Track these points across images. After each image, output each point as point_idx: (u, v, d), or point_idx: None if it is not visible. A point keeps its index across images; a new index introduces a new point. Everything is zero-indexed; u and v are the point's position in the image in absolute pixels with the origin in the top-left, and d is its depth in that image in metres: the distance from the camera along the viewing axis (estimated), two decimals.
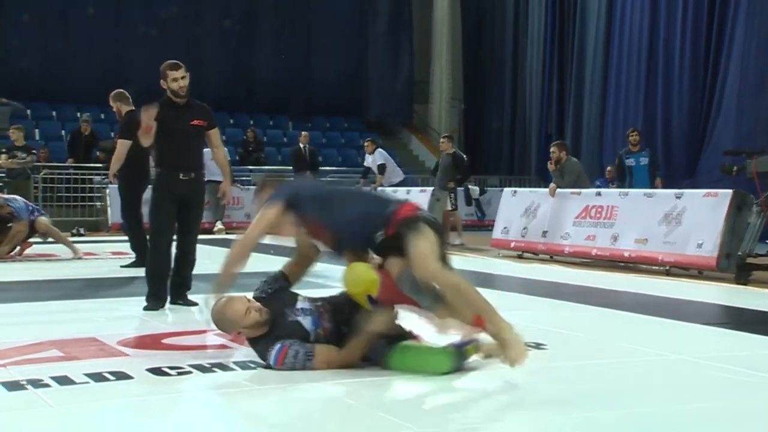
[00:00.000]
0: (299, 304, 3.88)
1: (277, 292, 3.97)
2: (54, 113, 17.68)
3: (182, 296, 5.73)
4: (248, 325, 3.82)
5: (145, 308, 5.62)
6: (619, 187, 11.72)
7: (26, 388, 3.48)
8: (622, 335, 4.96)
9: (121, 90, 8.36)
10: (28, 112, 17.27)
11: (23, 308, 5.92)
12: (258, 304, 3.86)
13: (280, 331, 3.81)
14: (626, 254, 8.98)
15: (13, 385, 3.52)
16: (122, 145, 7.70)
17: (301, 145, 15.13)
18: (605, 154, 16.95)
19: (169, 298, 5.72)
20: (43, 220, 9.64)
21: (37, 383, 3.54)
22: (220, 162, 6.03)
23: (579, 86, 17.95)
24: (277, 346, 3.73)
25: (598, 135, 17.39)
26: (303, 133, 15.55)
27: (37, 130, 16.12)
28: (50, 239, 9.77)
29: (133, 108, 8.01)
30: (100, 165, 15.54)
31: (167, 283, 5.71)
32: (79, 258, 9.36)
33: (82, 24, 17.97)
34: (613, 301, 6.49)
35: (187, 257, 5.76)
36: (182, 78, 5.63)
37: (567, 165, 10.50)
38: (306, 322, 3.83)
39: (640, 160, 11.73)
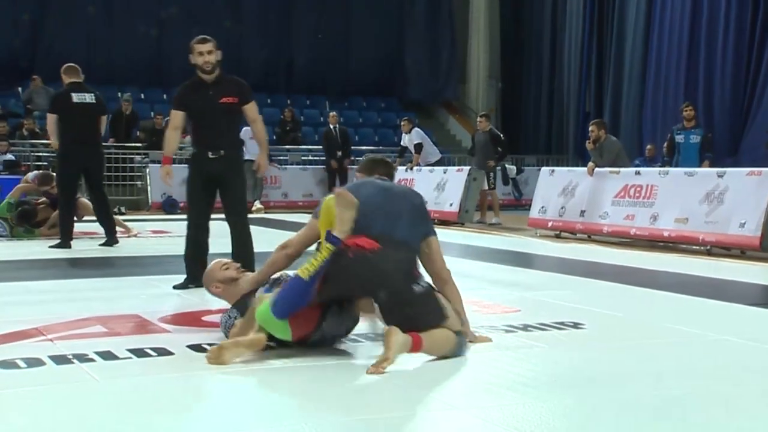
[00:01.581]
0: (271, 278, 3.88)
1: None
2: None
3: None
4: (222, 279, 3.97)
5: (174, 286, 5.65)
6: (668, 164, 11.45)
7: (72, 362, 3.56)
8: (662, 315, 4.91)
9: (69, 64, 8.43)
10: (72, 94, 17.48)
11: (69, 285, 6.04)
12: (238, 265, 4.03)
13: (245, 299, 3.86)
14: (666, 234, 8.87)
15: (61, 359, 3.60)
16: (49, 119, 8.18)
17: (331, 126, 15.15)
18: (645, 133, 16.72)
19: None
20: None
21: (82, 358, 3.62)
22: (258, 136, 5.91)
23: (618, 63, 17.68)
24: (227, 311, 3.88)
25: (638, 113, 17.14)
26: (331, 114, 15.60)
27: None
28: (85, 218, 9.94)
29: (76, 80, 8.18)
30: (140, 145, 15.75)
31: (197, 262, 5.64)
32: (134, 236, 9.53)
33: (123, 6, 18.12)
34: (653, 280, 6.42)
35: (238, 238, 5.64)
36: (208, 53, 5.55)
37: (606, 144, 10.38)
38: (260, 291, 3.82)
39: (690, 138, 11.12)
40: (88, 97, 8.13)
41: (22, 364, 3.53)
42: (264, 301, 3.64)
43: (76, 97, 8.03)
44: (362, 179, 4.08)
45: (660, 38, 16.59)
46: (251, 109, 5.77)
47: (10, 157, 13.65)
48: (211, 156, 5.61)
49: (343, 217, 3.59)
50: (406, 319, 3.52)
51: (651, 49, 16.81)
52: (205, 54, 5.55)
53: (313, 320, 3.64)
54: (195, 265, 5.67)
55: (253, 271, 5.17)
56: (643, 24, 16.98)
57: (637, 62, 17.15)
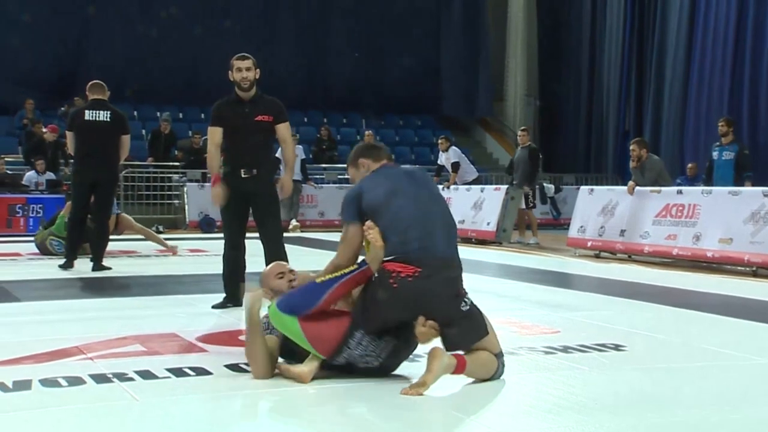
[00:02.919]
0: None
1: None
2: (135, 113, 18.22)
3: None
4: (272, 287, 3.91)
5: (213, 306, 5.70)
6: (704, 182, 11.27)
7: (112, 381, 3.61)
8: (706, 338, 4.84)
9: (94, 81, 8.31)
10: (86, 110, 17.78)
11: (108, 303, 6.14)
12: (296, 275, 3.95)
13: None
14: (709, 254, 8.74)
15: (101, 378, 3.65)
16: (68, 136, 8.13)
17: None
18: (686, 151, 16.53)
19: None
20: (126, 216, 10.01)
21: (122, 377, 3.67)
22: (286, 156, 5.88)
23: (659, 80, 17.53)
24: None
25: (679, 131, 16.96)
26: (367, 132, 15.63)
27: None
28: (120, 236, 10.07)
29: (97, 98, 8.08)
30: (178, 163, 15.96)
31: (235, 281, 5.69)
32: (175, 254, 9.63)
33: (163, 27, 18.44)
34: (696, 302, 6.33)
35: (272, 257, 5.48)
36: (247, 69, 5.60)
37: (647, 162, 10.27)
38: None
39: (723, 154, 10.92)
40: (102, 115, 7.99)
41: (63, 382, 3.59)
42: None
43: (87, 115, 7.99)
44: (379, 171, 3.81)
45: (702, 53, 16.42)
46: (284, 129, 5.78)
47: (52, 176, 13.91)
48: (244, 175, 5.63)
49: (375, 258, 3.56)
50: (451, 339, 3.50)
51: (693, 65, 16.65)
52: (244, 71, 5.61)
53: (334, 338, 3.57)
54: (233, 284, 5.72)
55: None
56: (684, 40, 16.84)
57: (678, 78, 16.99)
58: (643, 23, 18.24)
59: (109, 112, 8.03)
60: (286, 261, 5.67)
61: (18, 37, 17.09)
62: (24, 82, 16.45)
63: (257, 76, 5.66)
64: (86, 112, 8.02)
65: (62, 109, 15.86)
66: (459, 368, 3.44)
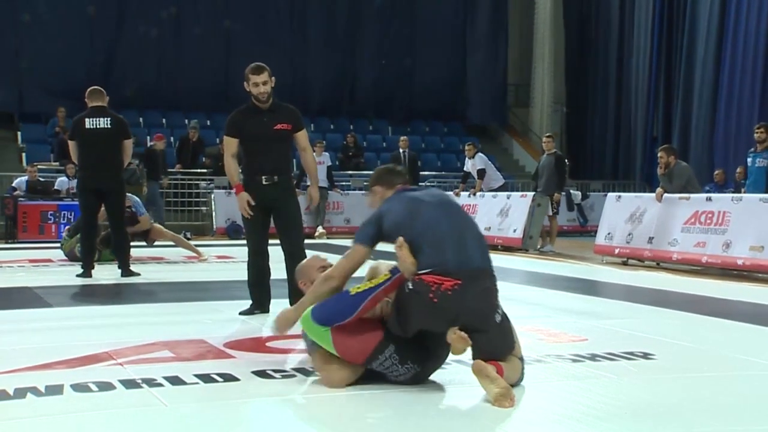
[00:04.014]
0: None
1: None
2: (164, 120, 18.40)
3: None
4: (312, 280, 3.96)
5: (240, 312, 5.71)
6: (740, 188, 11.10)
7: (141, 387, 3.64)
8: (736, 346, 4.78)
9: (93, 87, 8.21)
10: (140, 119, 18.03)
11: (137, 309, 6.19)
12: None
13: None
14: (740, 262, 8.64)
15: (130, 384, 3.69)
16: (70, 146, 8.07)
17: (401, 150, 15.17)
18: (716, 158, 16.35)
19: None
20: (158, 226, 10.15)
21: (151, 382, 3.70)
22: (308, 166, 5.91)
23: (688, 86, 17.37)
24: None
25: (708, 138, 16.79)
26: (402, 138, 15.60)
27: (148, 137, 16.78)
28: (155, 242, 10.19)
29: (97, 104, 7.96)
30: (205, 170, 16.09)
31: (261, 288, 5.71)
32: (205, 260, 9.71)
33: (191, 37, 18.59)
34: (726, 310, 6.26)
35: (293, 261, 5.41)
36: (263, 83, 5.56)
37: (676, 169, 10.18)
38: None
39: (757, 161, 10.61)
40: (103, 122, 7.88)
41: (94, 387, 3.63)
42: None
43: (88, 123, 7.88)
44: (394, 196, 3.83)
45: (732, 59, 16.25)
46: (302, 137, 5.79)
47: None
48: (264, 182, 5.64)
49: (406, 271, 3.57)
50: (484, 348, 3.50)
51: (723, 70, 16.47)
52: (260, 85, 5.56)
53: (363, 352, 3.57)
54: (259, 291, 5.75)
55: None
56: (714, 46, 16.67)
57: (708, 84, 16.82)
58: (671, 30, 18.10)
59: (109, 119, 7.91)
60: None
61: (50, 46, 17.34)
62: (56, 91, 16.67)
63: (273, 85, 5.64)
64: (86, 120, 7.89)
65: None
66: (499, 374, 3.44)
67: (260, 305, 5.71)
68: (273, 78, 5.65)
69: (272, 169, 5.64)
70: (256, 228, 5.73)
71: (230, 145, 5.73)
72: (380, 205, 3.84)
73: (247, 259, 5.86)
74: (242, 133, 5.67)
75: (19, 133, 17.16)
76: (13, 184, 13.92)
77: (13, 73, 17.01)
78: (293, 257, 5.50)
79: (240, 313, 5.70)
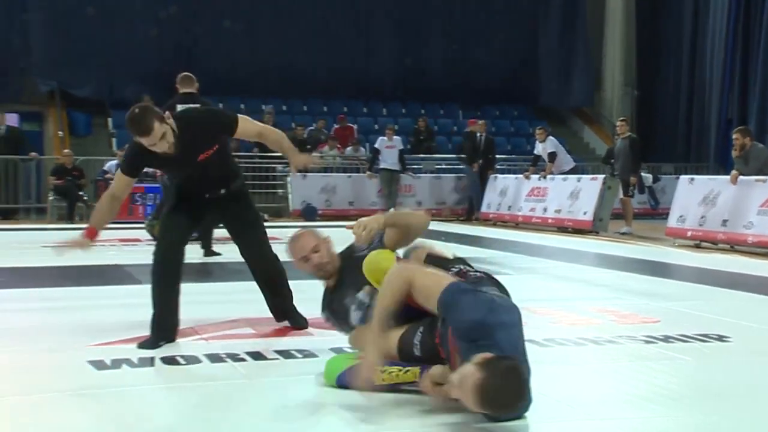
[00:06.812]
0: (361, 294, 3.44)
1: (358, 260, 3.43)
2: (242, 106, 18.71)
3: None
4: (314, 262, 3.60)
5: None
6: None
7: (225, 361, 3.75)
8: None
9: (184, 73, 8.05)
10: (220, 105, 18.35)
11: (219, 287, 6.35)
12: (331, 247, 3.65)
13: (335, 304, 3.61)
14: None
15: (215, 358, 3.80)
16: None
17: (477, 134, 15.01)
18: None
19: None
20: None
21: (234, 357, 3.81)
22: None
23: (766, 67, 16.71)
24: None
25: None
26: (480, 122, 15.46)
27: None
28: None
29: (187, 91, 7.76)
30: (281, 154, 16.29)
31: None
32: None
33: (264, 24, 18.83)
34: None
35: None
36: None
37: (752, 151, 9.84)
38: (354, 315, 3.47)
39: None
40: None
41: (181, 360, 3.76)
42: (333, 363, 3.39)
43: (179, 109, 7.61)
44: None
45: None
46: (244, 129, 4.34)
47: None
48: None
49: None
50: None
51: None
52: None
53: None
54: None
55: None
56: None
57: None
58: (749, 10, 17.41)
59: (198, 105, 7.69)
60: None
61: (136, 36, 17.82)
62: (144, 79, 17.10)
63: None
64: (177, 106, 7.80)
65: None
66: None
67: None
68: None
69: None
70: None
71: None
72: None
73: None
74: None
75: (109, 120, 17.67)
76: (105, 168, 14.39)
77: (104, 64, 17.51)
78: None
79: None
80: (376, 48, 19.47)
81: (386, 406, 3.04)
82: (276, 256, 4.57)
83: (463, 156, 15.12)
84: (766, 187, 9.21)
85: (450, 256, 3.47)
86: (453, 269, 3.23)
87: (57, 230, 10.74)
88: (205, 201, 4.34)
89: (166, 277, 4.16)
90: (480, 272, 3.27)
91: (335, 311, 3.66)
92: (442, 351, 3.04)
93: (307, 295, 5.33)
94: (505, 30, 20.26)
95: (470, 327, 2.79)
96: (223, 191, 4.35)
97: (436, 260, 3.35)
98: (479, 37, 20.27)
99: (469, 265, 3.34)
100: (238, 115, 4.29)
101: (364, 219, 3.44)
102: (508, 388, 2.63)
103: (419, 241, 3.61)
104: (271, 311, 4.62)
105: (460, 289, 2.90)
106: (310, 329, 4.51)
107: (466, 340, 2.80)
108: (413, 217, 3.64)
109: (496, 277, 3.27)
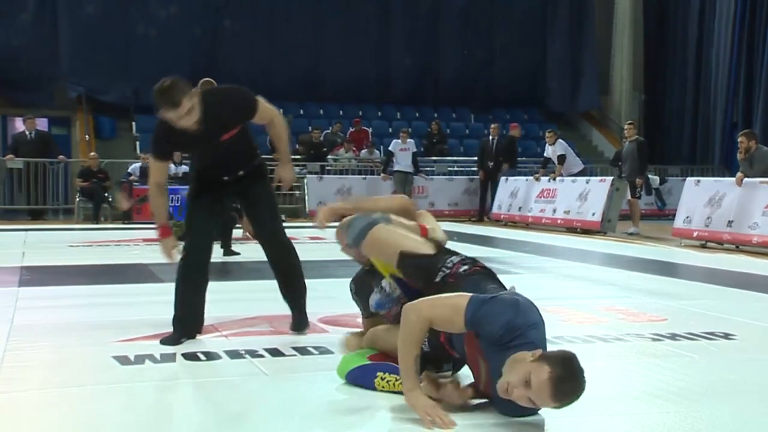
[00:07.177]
0: (384, 282, 3.40)
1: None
2: None
3: None
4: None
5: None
6: None
7: (244, 357, 3.75)
8: None
9: (205, 78, 7.58)
10: None
11: (238, 286, 6.38)
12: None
13: (364, 280, 3.56)
14: None
15: (234, 354, 3.80)
16: None
17: (490, 137, 15.06)
18: None
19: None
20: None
21: (253, 353, 3.80)
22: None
23: None
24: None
25: None
26: (493, 125, 15.48)
27: None
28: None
29: None
30: (299, 156, 16.32)
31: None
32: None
33: (282, 29, 18.85)
34: None
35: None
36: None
37: (757, 154, 9.77)
38: (373, 297, 3.45)
39: None
40: None
41: (202, 356, 3.76)
42: (346, 360, 3.40)
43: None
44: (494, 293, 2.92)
45: None
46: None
47: (184, 168, 14.50)
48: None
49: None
50: None
51: None
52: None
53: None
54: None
55: None
56: None
57: None
58: (754, 16, 17.27)
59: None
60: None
61: (159, 43, 17.90)
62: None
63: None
64: None
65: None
66: None
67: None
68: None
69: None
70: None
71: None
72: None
73: None
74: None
75: (133, 124, 17.77)
76: (129, 170, 14.46)
77: (128, 70, 17.61)
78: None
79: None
80: (391, 54, 19.48)
81: (401, 400, 3.03)
82: (290, 245, 4.51)
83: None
84: None
85: (429, 247, 3.27)
86: (443, 270, 3.11)
87: (83, 230, 10.80)
88: (223, 183, 4.26)
89: (190, 277, 4.15)
90: (467, 259, 3.16)
91: (360, 289, 3.58)
92: (452, 351, 3.02)
93: (319, 293, 5.38)
94: (515, 36, 20.22)
95: (504, 333, 2.74)
96: (241, 172, 4.27)
97: (414, 259, 3.21)
98: (490, 43, 20.25)
99: (455, 253, 3.23)
100: (257, 96, 4.24)
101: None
102: (575, 376, 2.66)
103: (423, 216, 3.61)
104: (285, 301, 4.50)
105: (479, 301, 2.82)
106: (325, 326, 4.51)
107: (499, 344, 2.75)
108: (382, 201, 3.71)
109: (500, 277, 3.18)
